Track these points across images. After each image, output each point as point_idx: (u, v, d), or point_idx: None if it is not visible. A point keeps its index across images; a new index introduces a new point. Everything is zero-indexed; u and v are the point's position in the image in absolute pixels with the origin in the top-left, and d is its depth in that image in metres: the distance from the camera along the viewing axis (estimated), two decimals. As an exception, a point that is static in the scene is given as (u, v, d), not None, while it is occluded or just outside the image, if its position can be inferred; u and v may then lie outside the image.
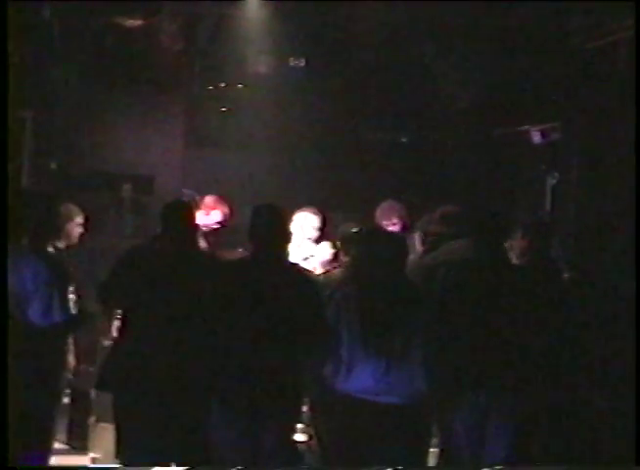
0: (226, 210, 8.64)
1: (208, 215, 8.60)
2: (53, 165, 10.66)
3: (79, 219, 6.91)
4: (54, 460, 6.57)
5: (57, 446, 7.15)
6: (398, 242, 5.83)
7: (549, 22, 9.25)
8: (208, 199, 8.57)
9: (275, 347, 5.50)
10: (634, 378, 5.58)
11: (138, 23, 10.56)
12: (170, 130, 11.57)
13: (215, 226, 8.66)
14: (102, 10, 10.31)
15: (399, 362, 5.37)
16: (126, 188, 10.75)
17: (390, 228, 8.11)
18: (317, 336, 5.56)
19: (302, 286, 5.67)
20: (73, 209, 6.91)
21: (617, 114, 8.57)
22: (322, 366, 5.58)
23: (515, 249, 6.15)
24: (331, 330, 5.52)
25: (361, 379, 5.39)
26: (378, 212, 8.28)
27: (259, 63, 11.32)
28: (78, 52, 10.32)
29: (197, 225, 6.39)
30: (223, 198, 8.59)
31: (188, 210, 6.29)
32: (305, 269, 6.23)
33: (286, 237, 5.84)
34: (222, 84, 11.53)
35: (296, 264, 6.12)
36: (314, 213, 7.68)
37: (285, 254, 5.90)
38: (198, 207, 8.78)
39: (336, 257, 7.13)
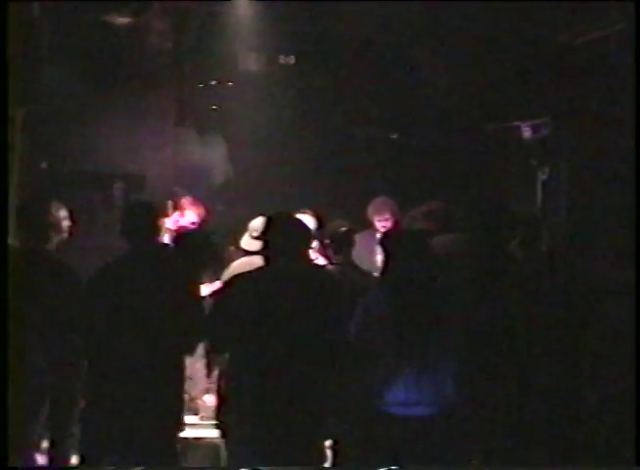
0: (201, 210, 8.64)
1: (183, 216, 8.61)
2: (43, 164, 10.63)
3: (62, 213, 6.92)
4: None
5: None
6: (427, 243, 5.72)
7: (539, 17, 9.25)
8: (184, 200, 8.61)
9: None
10: (634, 377, 5.57)
11: (127, 21, 10.53)
12: (161, 128, 11.54)
13: (190, 227, 8.64)
14: (91, 8, 10.28)
15: (431, 370, 5.24)
16: (117, 186, 10.72)
17: (382, 224, 8.14)
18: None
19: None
20: (54, 205, 6.92)
21: (608, 109, 8.58)
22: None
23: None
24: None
25: (391, 388, 5.25)
26: (370, 208, 8.29)
27: (249, 60, 11.31)
28: (68, 50, 10.29)
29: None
30: (198, 199, 8.61)
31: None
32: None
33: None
34: (212, 82, 11.52)
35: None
36: (311, 216, 7.61)
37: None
38: (176, 209, 8.82)
39: (326, 254, 7.09)
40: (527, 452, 5.58)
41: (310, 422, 5.49)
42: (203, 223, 8.88)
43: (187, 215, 8.72)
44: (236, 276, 5.79)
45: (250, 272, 5.76)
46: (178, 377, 5.88)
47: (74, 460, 6.89)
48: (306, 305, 5.46)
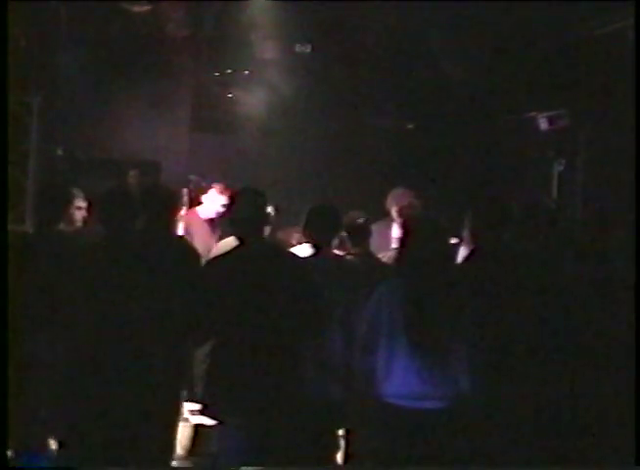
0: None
1: (214, 202, 8.70)
2: (59, 151, 10.65)
3: (80, 203, 6.93)
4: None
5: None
6: (445, 232, 5.64)
7: (557, 8, 9.22)
8: (216, 186, 8.69)
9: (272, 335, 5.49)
10: (634, 377, 5.56)
11: (144, 8, 10.53)
12: (177, 116, 11.57)
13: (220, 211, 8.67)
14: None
15: (445, 362, 5.19)
16: (133, 174, 10.75)
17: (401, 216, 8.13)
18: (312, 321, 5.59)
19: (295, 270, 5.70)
20: (74, 192, 6.92)
21: (625, 100, 8.55)
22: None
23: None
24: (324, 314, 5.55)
25: (404, 380, 5.20)
26: (389, 199, 8.28)
27: (265, 49, 11.30)
28: (85, 37, 10.31)
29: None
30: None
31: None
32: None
33: (266, 219, 5.87)
34: (228, 70, 11.52)
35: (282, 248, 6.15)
36: None
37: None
38: (203, 192, 8.89)
39: (342, 244, 7.06)
40: (527, 452, 5.57)
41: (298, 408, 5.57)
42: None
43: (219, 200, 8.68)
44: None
45: (218, 257, 5.84)
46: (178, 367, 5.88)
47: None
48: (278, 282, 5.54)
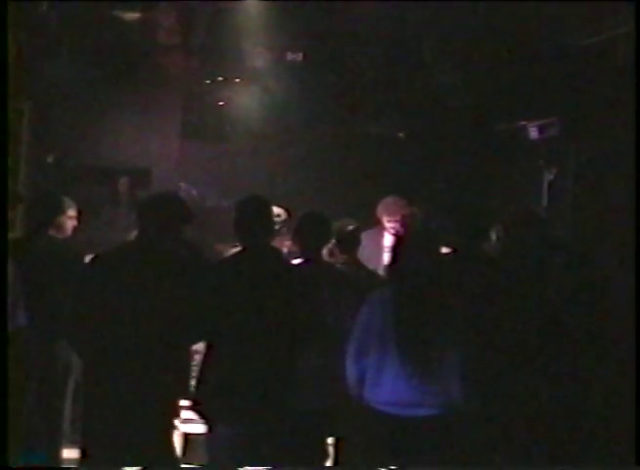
0: None
1: None
2: (49, 159, 10.64)
3: (72, 212, 6.92)
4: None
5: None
6: (437, 241, 5.71)
7: (547, 17, 9.25)
8: None
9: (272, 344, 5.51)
10: (634, 377, 5.57)
11: (136, 16, 10.54)
12: (167, 123, 11.55)
13: None
14: (99, 3, 10.28)
15: (436, 370, 5.21)
16: (123, 181, 10.74)
17: (392, 225, 8.14)
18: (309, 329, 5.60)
19: (295, 276, 5.70)
20: (66, 201, 6.92)
21: (615, 109, 8.58)
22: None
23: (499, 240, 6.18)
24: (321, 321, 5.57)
25: (394, 388, 5.23)
26: (380, 208, 8.29)
27: (257, 57, 11.29)
28: (76, 45, 10.30)
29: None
30: None
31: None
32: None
33: (271, 228, 5.85)
34: (219, 78, 11.52)
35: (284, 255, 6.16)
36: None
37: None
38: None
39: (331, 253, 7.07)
40: (527, 452, 5.58)
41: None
42: None
43: None
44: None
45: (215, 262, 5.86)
46: (180, 370, 5.86)
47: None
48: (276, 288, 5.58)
